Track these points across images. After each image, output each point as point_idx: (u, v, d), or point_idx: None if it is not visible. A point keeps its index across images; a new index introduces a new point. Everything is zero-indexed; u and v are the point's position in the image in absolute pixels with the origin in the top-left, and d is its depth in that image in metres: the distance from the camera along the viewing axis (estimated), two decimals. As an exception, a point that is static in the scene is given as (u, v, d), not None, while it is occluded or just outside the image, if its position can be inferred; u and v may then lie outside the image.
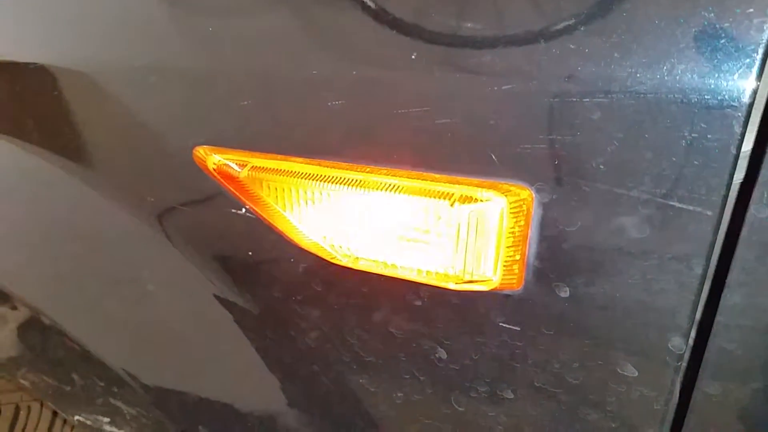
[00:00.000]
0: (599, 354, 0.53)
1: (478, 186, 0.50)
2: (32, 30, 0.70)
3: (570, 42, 0.44)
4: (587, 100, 0.44)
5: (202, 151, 0.61)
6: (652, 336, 0.50)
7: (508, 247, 0.51)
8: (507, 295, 0.54)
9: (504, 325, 0.56)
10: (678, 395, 0.53)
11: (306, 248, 0.60)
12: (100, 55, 0.65)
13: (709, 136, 0.42)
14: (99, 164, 0.73)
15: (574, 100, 0.44)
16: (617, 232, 0.47)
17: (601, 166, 0.46)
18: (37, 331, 0.96)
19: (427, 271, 0.55)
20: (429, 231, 0.53)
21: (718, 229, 0.45)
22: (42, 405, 1.44)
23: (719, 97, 0.41)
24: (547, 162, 0.47)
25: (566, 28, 0.44)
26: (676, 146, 0.43)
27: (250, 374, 0.77)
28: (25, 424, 1.43)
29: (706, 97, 0.41)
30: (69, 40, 0.67)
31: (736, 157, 0.42)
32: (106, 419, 1.02)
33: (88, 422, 1.05)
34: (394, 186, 0.53)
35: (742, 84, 0.40)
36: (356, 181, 0.54)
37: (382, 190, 0.53)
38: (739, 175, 0.43)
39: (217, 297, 0.72)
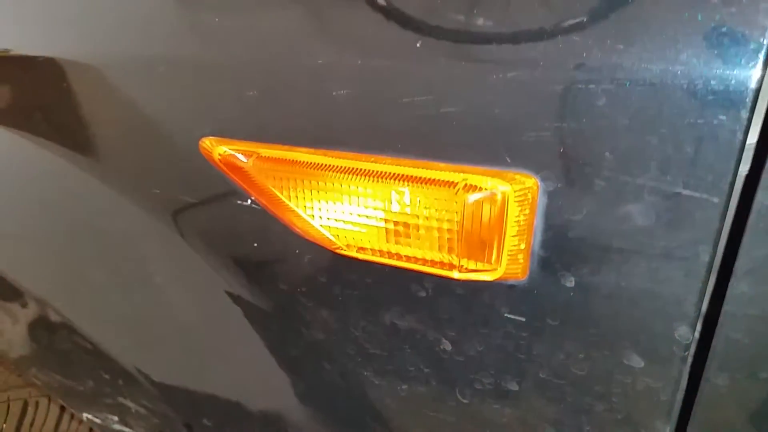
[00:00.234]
0: (605, 344, 0.53)
1: (483, 174, 0.50)
2: (39, 22, 0.70)
3: (575, 29, 0.44)
4: (593, 87, 0.44)
5: (208, 143, 0.61)
6: (659, 326, 0.50)
7: (512, 236, 0.51)
8: (512, 285, 0.54)
9: (509, 315, 0.56)
10: (685, 386, 0.53)
11: (312, 239, 0.60)
12: (106, 46, 0.65)
13: (715, 122, 0.41)
14: (105, 156, 0.73)
15: (580, 87, 0.44)
16: (623, 220, 0.47)
17: (607, 154, 0.45)
18: (47, 330, 0.96)
19: (432, 261, 0.55)
20: (434, 220, 0.53)
21: (725, 216, 0.44)
22: (50, 401, 1.45)
23: (726, 84, 0.40)
24: (553, 150, 0.47)
25: (572, 14, 0.44)
26: (682, 133, 0.43)
27: (254, 366, 0.77)
28: (33, 420, 1.44)
29: (712, 83, 0.41)
30: (75, 32, 0.67)
31: (743, 143, 0.42)
32: (115, 417, 1.02)
33: (98, 420, 1.06)
34: (399, 175, 0.53)
35: (748, 70, 0.40)
36: (361, 170, 0.54)
37: (387, 179, 0.53)
38: (746, 162, 0.43)
39: (223, 289, 0.72)
